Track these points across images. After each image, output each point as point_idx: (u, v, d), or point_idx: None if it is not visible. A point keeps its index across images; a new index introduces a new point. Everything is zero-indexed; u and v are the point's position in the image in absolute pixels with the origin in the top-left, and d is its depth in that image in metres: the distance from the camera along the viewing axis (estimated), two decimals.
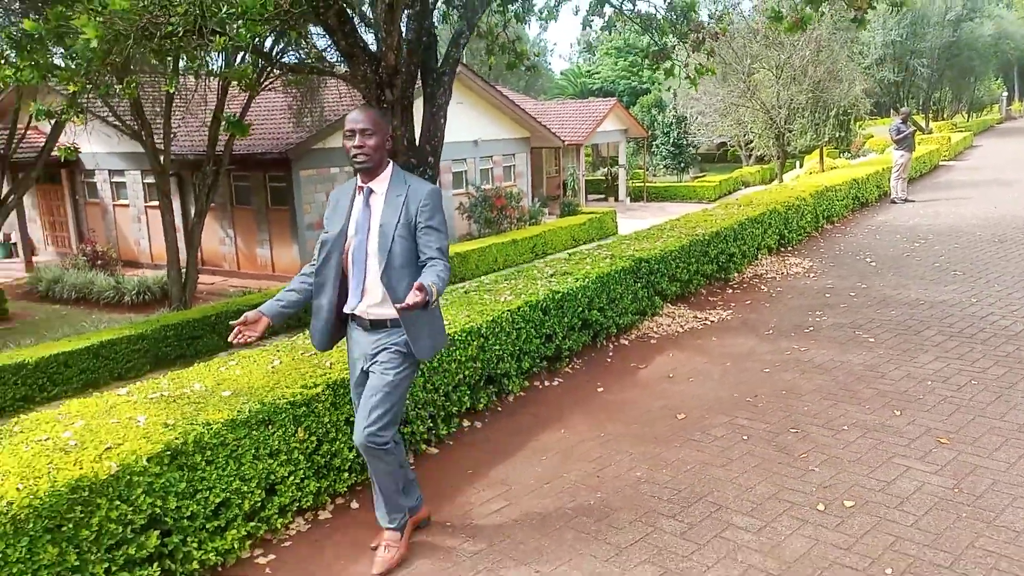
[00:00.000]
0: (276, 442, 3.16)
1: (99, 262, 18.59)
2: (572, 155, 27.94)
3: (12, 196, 13.80)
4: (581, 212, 23.74)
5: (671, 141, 31.56)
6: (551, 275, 5.60)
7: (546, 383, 4.92)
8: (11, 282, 18.83)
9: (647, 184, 30.28)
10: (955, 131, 29.94)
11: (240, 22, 5.59)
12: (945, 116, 42.52)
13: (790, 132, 16.92)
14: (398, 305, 2.60)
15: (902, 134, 13.45)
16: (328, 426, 3.38)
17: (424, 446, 3.98)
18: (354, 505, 3.48)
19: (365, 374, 2.93)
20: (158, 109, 13.69)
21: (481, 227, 21.08)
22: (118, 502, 2.63)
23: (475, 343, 4.28)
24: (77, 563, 2.53)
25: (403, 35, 6.41)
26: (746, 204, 9.22)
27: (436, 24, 8.05)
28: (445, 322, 4.24)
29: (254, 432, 3.08)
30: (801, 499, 3.27)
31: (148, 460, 2.72)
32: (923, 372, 4.71)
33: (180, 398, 3.23)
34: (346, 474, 3.49)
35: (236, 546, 3.01)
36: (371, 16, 6.17)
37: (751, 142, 33.59)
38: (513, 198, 21.93)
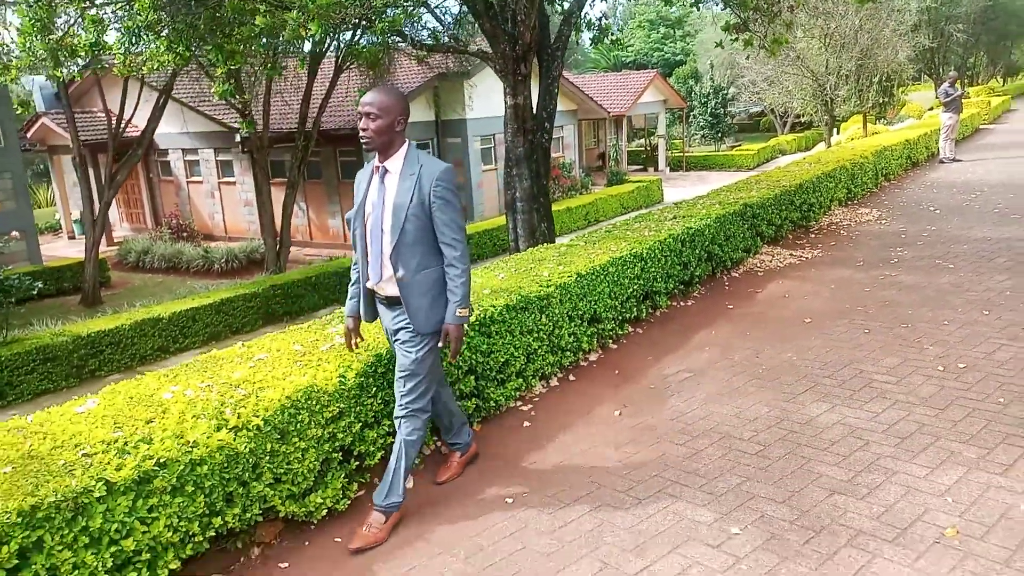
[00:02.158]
0: (529, 323, 4.26)
1: (184, 234, 19.93)
2: (610, 126, 28.69)
3: (119, 174, 15.04)
4: (628, 181, 24.63)
5: (708, 111, 32.17)
6: (672, 218, 6.63)
7: (682, 303, 5.99)
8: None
9: (686, 154, 31.01)
10: (992, 95, 30.22)
11: (399, 9, 6.65)
12: (979, 81, 42.48)
13: (837, 98, 17.67)
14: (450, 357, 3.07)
15: (950, 97, 14.20)
16: (558, 316, 4.48)
17: (610, 342, 5.08)
18: (571, 378, 4.59)
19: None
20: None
21: None
22: None
23: (638, 265, 5.35)
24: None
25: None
26: (816, 162, 10.15)
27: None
28: (613, 251, 5.32)
29: (519, 314, 4.18)
30: (924, 364, 4.32)
31: (466, 327, 3.83)
32: (1001, 287, 5.71)
33: None
34: (569, 353, 4.61)
35: (512, 394, 4.14)
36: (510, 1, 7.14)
37: (785, 112, 34.06)
38: (566, 168, 22.88)
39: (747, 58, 16.18)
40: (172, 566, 2.59)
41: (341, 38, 9.53)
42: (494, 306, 4.06)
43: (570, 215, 20.35)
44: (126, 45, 8.32)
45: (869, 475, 3.17)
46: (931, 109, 29.04)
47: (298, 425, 2.97)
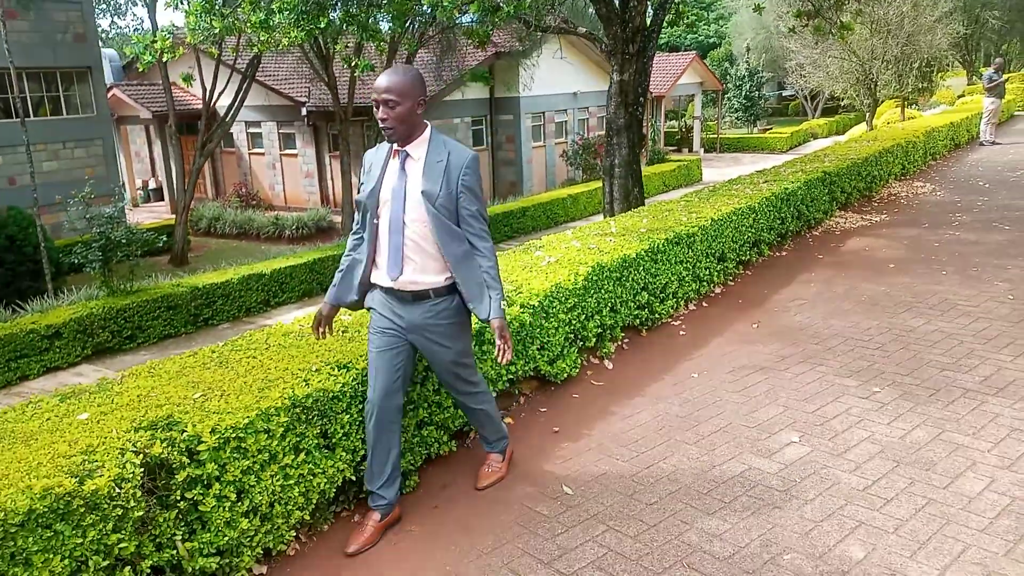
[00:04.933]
0: (681, 256, 5.35)
1: (253, 203, 21.13)
2: (649, 107, 29.49)
3: (210, 142, 16.19)
4: (668, 160, 25.54)
5: (743, 94, 32.90)
6: (764, 182, 7.67)
7: (778, 253, 7.05)
8: (164, 221, 21.31)
9: (720, 136, 31.83)
10: None
11: None
12: (1011, 68, 42.76)
13: (880, 83, 18.50)
14: (501, 361, 2.82)
15: (994, 82, 15.02)
16: (699, 252, 5.56)
17: (729, 279, 6.17)
18: (704, 304, 5.68)
19: (409, 346, 2.90)
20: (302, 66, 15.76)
21: (581, 173, 23.05)
22: (633, 271, 4.84)
23: (751, 216, 6.42)
24: (623, 299, 4.75)
25: None
26: (873, 139, 11.12)
27: None
28: (731, 204, 6.38)
29: (674, 247, 5.27)
30: (996, 294, 5.37)
31: (642, 253, 4.93)
32: None
33: (611, 233, 5.41)
34: (704, 284, 5.71)
35: (668, 311, 5.24)
36: None
37: (816, 96, 34.69)
38: None
39: (816, 43, 16.98)
40: (500, 387, 3.72)
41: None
42: (659, 239, 5.15)
43: None
44: (272, 22, 9.37)
45: (968, 360, 4.24)
46: (961, 96, 29.64)
47: (552, 309, 4.08)
